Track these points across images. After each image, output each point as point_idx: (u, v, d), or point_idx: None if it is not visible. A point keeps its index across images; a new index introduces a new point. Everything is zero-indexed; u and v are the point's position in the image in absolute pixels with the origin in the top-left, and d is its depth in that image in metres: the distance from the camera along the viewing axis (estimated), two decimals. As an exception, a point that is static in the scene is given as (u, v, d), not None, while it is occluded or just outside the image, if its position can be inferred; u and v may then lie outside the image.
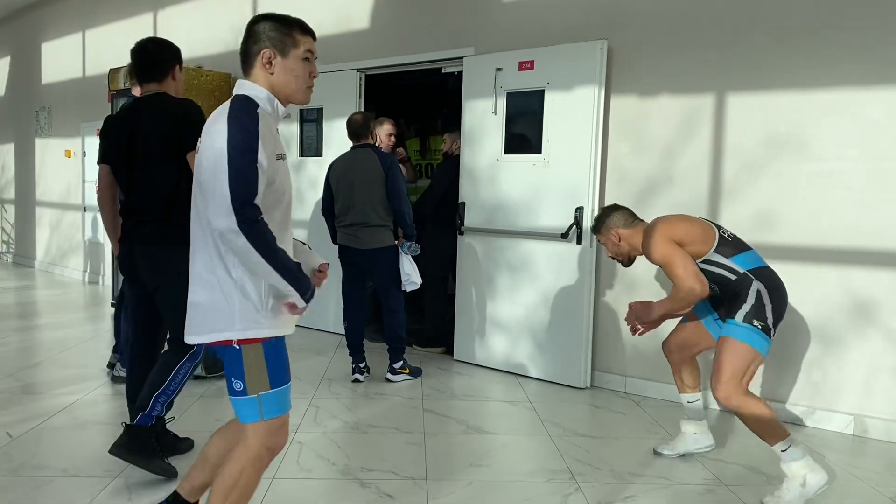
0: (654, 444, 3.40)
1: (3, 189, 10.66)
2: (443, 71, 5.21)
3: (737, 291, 2.83)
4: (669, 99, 4.12)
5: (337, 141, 5.73)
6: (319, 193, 5.90)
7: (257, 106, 1.88)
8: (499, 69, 4.61)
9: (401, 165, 5.59)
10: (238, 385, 1.91)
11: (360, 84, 5.60)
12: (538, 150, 4.48)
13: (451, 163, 5.10)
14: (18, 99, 9.96)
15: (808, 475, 2.68)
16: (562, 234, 4.30)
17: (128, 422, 2.89)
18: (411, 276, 4.34)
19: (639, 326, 3.06)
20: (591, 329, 4.37)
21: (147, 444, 2.80)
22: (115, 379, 4.17)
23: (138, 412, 2.82)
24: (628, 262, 3.17)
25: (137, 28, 7.48)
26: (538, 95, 4.46)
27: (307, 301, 1.91)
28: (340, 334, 5.64)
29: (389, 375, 4.40)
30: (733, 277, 2.85)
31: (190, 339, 1.94)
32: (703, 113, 4.01)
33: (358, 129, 4.37)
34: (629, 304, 3.09)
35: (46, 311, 6.71)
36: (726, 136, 3.94)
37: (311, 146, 6.03)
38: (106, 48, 8.06)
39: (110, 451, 2.80)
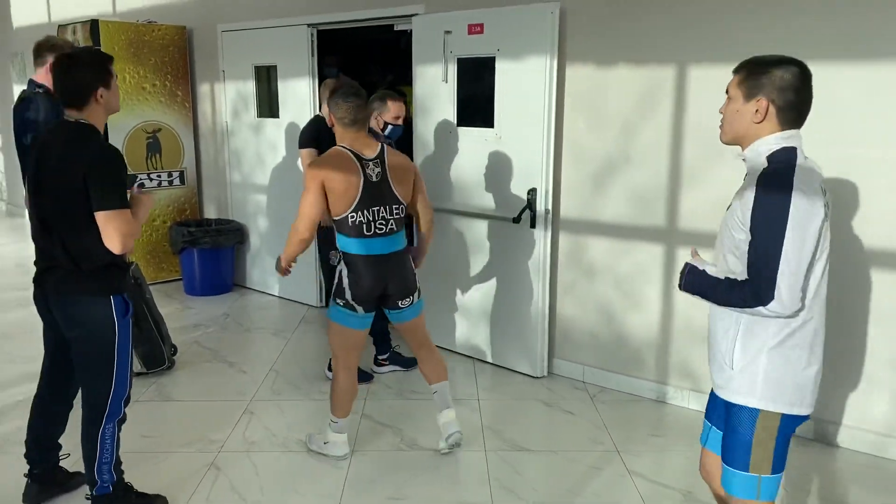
0: (594, 460, 3.22)
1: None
2: (395, 28, 4.77)
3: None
4: (628, 69, 3.68)
5: (293, 101, 5.36)
6: (278, 157, 5.63)
7: None
8: (447, 32, 4.17)
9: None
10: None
11: (312, 40, 5.17)
12: (490, 124, 4.10)
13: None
14: (-7, 44, 9.63)
15: (332, 443, 3.17)
16: (513, 218, 3.98)
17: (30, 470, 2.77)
18: None
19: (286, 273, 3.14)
20: (546, 318, 4.12)
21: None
22: None
23: (91, 486, 2.59)
24: None
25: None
26: (489, 63, 4.04)
27: None
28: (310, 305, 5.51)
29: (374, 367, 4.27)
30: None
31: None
32: (663, 86, 3.58)
33: None
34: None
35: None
36: (687, 113, 3.53)
37: (266, 107, 5.67)
38: (66, -8, 7.63)
39: None
